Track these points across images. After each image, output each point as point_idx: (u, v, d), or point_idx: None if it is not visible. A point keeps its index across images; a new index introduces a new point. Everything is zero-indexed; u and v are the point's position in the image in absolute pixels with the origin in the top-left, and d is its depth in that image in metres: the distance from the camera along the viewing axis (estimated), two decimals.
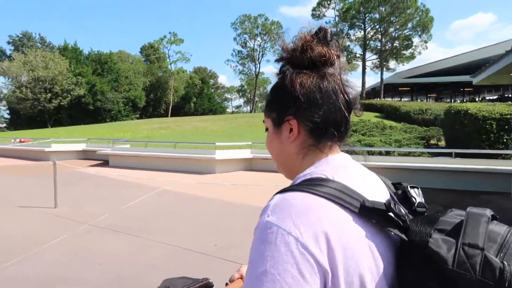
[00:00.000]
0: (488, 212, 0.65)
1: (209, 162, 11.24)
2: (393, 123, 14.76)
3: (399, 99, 59.67)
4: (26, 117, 44.00)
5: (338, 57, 0.78)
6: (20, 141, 18.00)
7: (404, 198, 0.79)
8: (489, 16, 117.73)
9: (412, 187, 0.81)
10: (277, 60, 0.83)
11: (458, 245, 0.60)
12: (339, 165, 0.74)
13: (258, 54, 58.40)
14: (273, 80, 0.84)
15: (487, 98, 56.70)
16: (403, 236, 0.66)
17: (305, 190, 0.66)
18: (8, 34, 62.92)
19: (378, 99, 44.99)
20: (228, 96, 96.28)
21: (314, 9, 50.20)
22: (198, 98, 63.50)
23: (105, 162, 14.02)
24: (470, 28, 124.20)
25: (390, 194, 0.80)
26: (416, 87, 58.69)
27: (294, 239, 0.60)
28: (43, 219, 6.13)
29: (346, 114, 0.77)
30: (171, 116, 51.80)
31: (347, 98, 0.77)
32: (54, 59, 42.22)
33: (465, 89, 56.56)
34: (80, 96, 42.83)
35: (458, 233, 0.62)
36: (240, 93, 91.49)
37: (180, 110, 59.86)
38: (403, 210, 0.75)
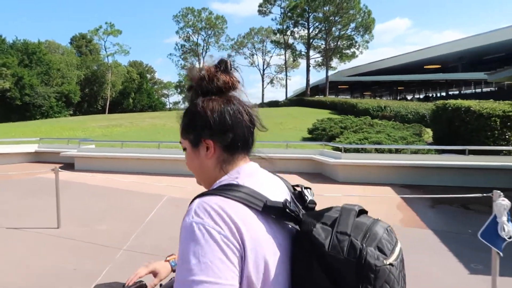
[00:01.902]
0: (357, 208, 0.85)
1: None
2: (377, 121, 14.71)
3: (337, 96, 61.61)
4: None
5: (239, 82, 0.94)
6: None
7: (300, 197, 0.96)
8: (405, 21, 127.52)
9: (306, 188, 0.98)
10: (187, 90, 0.97)
11: (333, 233, 0.78)
12: (248, 173, 0.91)
13: (202, 49, 56.64)
14: None
15: (416, 97, 60.73)
16: (297, 227, 0.84)
17: (220, 194, 0.82)
18: None
19: (322, 96, 45.98)
20: (166, 92, 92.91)
21: (260, 5, 49.87)
22: (136, 93, 60.07)
23: (66, 165, 12.16)
24: (389, 32, 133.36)
25: (290, 194, 0.97)
26: (355, 86, 61.23)
27: (217, 233, 0.75)
28: (58, 246, 4.72)
29: (252, 130, 0.95)
30: (109, 113, 48.27)
31: (250, 117, 0.93)
32: None
33: (398, 88, 60.19)
34: (5, 90, 38.00)
35: (334, 224, 0.80)
36: (179, 89, 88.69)
37: (118, 106, 56.12)
38: (298, 207, 0.91)
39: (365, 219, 0.83)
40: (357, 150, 9.61)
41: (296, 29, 51.32)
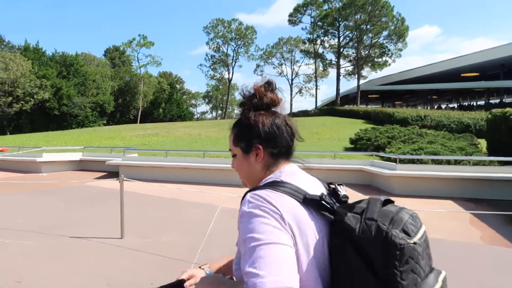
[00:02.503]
0: (383, 198, 0.99)
1: None
2: (426, 130, 14.13)
3: (367, 105, 60.47)
4: None
5: (281, 100, 1.14)
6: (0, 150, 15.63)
7: (334, 192, 1.09)
8: (434, 29, 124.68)
9: (339, 185, 1.11)
10: (239, 105, 1.17)
11: (362, 219, 0.92)
12: (289, 172, 1.09)
13: (232, 59, 57.09)
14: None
15: (450, 106, 58.86)
16: (331, 216, 0.98)
17: (267, 188, 1.00)
18: None
19: (353, 105, 45.22)
20: (193, 102, 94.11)
21: (290, 15, 49.86)
22: (167, 103, 61.06)
23: (110, 173, 12.25)
24: (417, 40, 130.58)
25: (326, 190, 1.12)
26: (386, 95, 59.99)
27: (272, 212, 0.92)
28: (127, 257, 4.55)
29: (292, 139, 1.15)
30: (140, 122, 49.20)
31: (291, 129, 1.14)
32: (15, 60, 38.55)
33: (432, 97, 58.50)
34: (44, 100, 39.39)
35: (363, 212, 0.94)
36: (207, 99, 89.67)
37: (149, 115, 57.18)
38: (333, 200, 1.04)
39: (391, 207, 0.96)
40: (411, 161, 9.15)
41: (326, 38, 51.07)
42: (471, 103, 53.39)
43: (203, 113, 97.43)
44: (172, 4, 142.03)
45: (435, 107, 56.69)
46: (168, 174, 10.89)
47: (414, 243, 0.88)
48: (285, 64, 61.68)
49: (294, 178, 1.06)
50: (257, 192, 0.99)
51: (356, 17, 45.41)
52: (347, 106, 43.82)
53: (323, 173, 10.13)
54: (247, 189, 1.08)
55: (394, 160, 9.70)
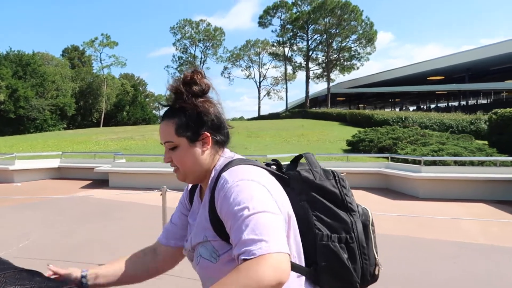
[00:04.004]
0: (311, 153, 1.22)
1: None
2: (428, 131, 13.93)
3: (336, 107, 61.32)
4: None
5: (211, 85, 1.10)
6: None
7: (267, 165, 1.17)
8: (388, 35, 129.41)
9: (274, 160, 1.20)
10: (175, 92, 1.07)
11: (312, 171, 1.13)
12: (234, 154, 1.13)
13: (200, 61, 55.71)
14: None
15: (410, 108, 60.95)
16: (285, 175, 1.13)
17: (238, 164, 1.03)
18: None
19: (323, 108, 45.44)
20: (156, 105, 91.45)
21: (261, 17, 49.46)
22: (131, 106, 58.67)
23: (96, 182, 11.02)
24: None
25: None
26: (352, 98, 61.13)
27: (256, 182, 0.94)
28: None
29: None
30: (103, 126, 46.75)
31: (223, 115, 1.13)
32: None
33: (395, 100, 60.27)
34: None
35: (306, 165, 1.15)
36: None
37: (112, 119, 54.60)
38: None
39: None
40: (433, 163, 8.76)
41: (294, 41, 51.11)
42: (433, 106, 55.45)
43: None
44: (127, 6, 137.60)
45: (397, 109, 58.38)
46: (164, 181, 9.83)
47: (344, 174, 1.16)
48: (252, 67, 61.25)
49: (239, 156, 1.13)
50: (232, 169, 1.00)
51: (325, 20, 45.77)
52: (319, 108, 43.91)
53: None
54: None
55: (412, 162, 9.29)
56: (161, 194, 4.29)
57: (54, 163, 12.15)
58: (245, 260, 0.80)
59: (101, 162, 11.81)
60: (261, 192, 0.92)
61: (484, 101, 42.46)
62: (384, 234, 5.50)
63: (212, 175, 1.08)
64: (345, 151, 13.81)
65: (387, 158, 9.99)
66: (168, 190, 4.37)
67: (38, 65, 43.30)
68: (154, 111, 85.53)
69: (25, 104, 38.33)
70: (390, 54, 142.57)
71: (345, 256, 1.05)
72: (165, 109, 1.12)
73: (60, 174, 12.17)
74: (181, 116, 1.06)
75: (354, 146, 13.49)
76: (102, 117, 49.75)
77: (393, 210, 7.25)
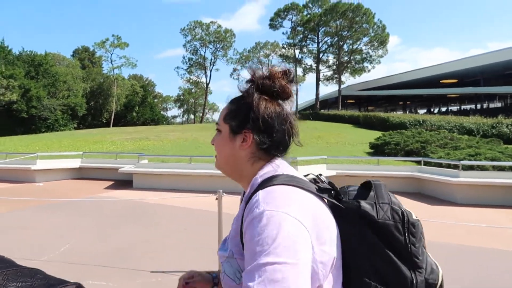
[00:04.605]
0: (383, 183, 0.99)
1: None
2: (456, 135, 13.63)
3: (346, 110, 60.96)
4: None
5: (292, 94, 1.00)
6: None
7: (315, 181, 1.00)
8: (394, 39, 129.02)
9: (320, 175, 1.05)
10: (247, 81, 1.01)
11: (376, 204, 0.92)
12: (285, 165, 0.98)
13: (209, 62, 55.65)
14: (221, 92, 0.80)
15: (420, 112, 60.40)
16: (340, 205, 0.94)
17: (280, 183, 0.88)
18: None
19: (335, 110, 45.12)
20: (164, 105, 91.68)
21: (272, 19, 49.25)
22: (140, 107, 58.76)
23: (119, 182, 10.86)
24: None
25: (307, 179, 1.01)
26: (362, 100, 60.76)
27: (291, 217, 0.79)
28: None
29: (289, 140, 1.00)
30: (113, 126, 46.77)
31: (293, 128, 1.00)
32: None
33: (405, 103, 59.80)
34: (11, 102, 36.43)
35: (373, 198, 0.94)
36: (178, 103, 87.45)
37: (121, 119, 54.69)
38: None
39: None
40: (470, 167, 8.49)
41: (305, 43, 50.87)
42: (444, 109, 54.91)
43: (174, 117, 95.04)
44: (134, 9, 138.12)
45: (407, 112, 57.84)
46: (192, 183, 9.69)
47: (418, 220, 0.94)
48: (262, 69, 60.91)
49: (292, 171, 0.97)
50: (272, 189, 0.86)
51: (336, 23, 45.52)
52: (328, 110, 43.59)
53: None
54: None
55: (447, 166, 9.03)
56: (216, 198, 4.07)
57: (76, 163, 12.03)
58: None
59: (122, 162, 11.66)
60: (294, 233, 0.78)
61: (499, 105, 41.91)
62: (429, 241, 5.28)
63: (251, 183, 0.96)
64: (369, 154, 13.54)
65: (419, 162, 9.70)
66: (223, 194, 4.15)
67: (50, 65, 43.43)
68: (162, 112, 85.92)
69: (37, 104, 38.42)
70: (396, 58, 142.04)
71: None
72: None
73: (81, 174, 12.04)
74: (236, 103, 1.01)
75: (378, 149, 13.22)
76: (112, 117, 49.77)
77: (432, 216, 7.01)
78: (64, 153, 13.70)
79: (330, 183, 1.01)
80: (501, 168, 8.41)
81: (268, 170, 0.95)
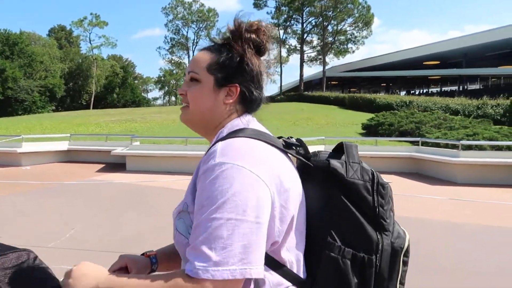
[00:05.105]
0: (355, 144, 0.95)
1: None
2: (448, 115, 13.71)
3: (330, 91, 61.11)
4: None
5: (269, 50, 0.97)
6: None
7: (286, 143, 0.95)
8: (375, 21, 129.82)
9: (290, 137, 0.99)
10: (231, 31, 0.93)
11: (347, 163, 0.88)
12: (255, 120, 0.95)
13: (192, 43, 54.46)
14: None
15: (401, 94, 61.11)
16: (309, 162, 0.91)
17: (243, 136, 0.84)
18: None
19: (319, 91, 45.09)
20: (144, 87, 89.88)
21: None
22: (120, 88, 57.38)
23: (110, 165, 10.52)
24: None
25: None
26: (345, 81, 60.97)
27: (247, 171, 0.74)
28: None
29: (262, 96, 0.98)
30: (93, 108, 45.53)
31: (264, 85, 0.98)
32: None
33: (388, 84, 60.33)
34: None
35: (344, 157, 0.89)
36: (159, 85, 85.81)
37: (101, 101, 53.28)
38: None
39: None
40: (469, 147, 8.55)
41: (289, 23, 50.38)
42: (427, 91, 55.72)
43: (155, 99, 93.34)
44: None
45: (389, 94, 58.37)
46: (188, 165, 9.44)
47: (388, 183, 0.89)
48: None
49: (260, 127, 0.94)
50: (232, 141, 0.82)
51: (321, 3, 45.13)
52: (312, 92, 43.53)
53: (367, 161, 9.25)
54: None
55: (444, 146, 9.08)
56: None
57: (63, 145, 11.59)
58: (187, 274, 0.71)
59: (112, 145, 11.28)
60: (248, 188, 0.73)
61: (478, 87, 42.69)
62: (434, 220, 5.28)
63: (217, 135, 0.92)
64: (361, 135, 13.55)
65: (416, 142, 9.72)
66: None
67: (26, 44, 41.66)
68: (143, 94, 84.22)
69: (13, 85, 36.95)
70: (376, 39, 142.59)
71: (354, 280, 0.84)
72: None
73: (70, 157, 11.63)
74: (223, 53, 0.93)
75: (371, 130, 13.23)
76: (93, 99, 48.41)
77: (434, 194, 7.04)
78: (51, 135, 13.20)
79: (298, 140, 0.97)
80: (499, 148, 8.51)
81: (237, 123, 0.91)
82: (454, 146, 8.74)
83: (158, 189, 7.50)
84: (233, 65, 0.92)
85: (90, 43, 50.29)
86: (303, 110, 25.81)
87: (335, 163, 0.87)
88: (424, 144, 9.60)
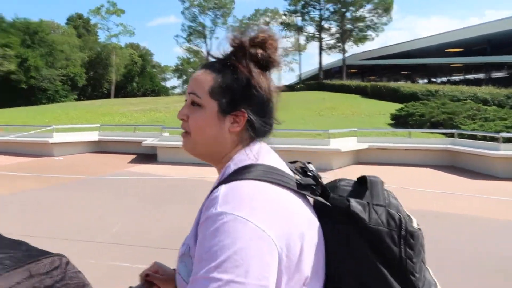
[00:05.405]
0: (380, 179, 0.84)
1: (324, 154, 8.71)
2: (481, 105, 13.32)
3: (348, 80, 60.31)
4: None
5: (280, 63, 0.86)
6: None
7: (303, 171, 0.87)
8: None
9: (308, 163, 0.90)
10: (235, 46, 0.83)
11: (370, 206, 0.78)
12: (266, 151, 0.84)
13: (209, 31, 54.24)
14: None
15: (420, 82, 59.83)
16: (327, 202, 0.80)
17: (251, 178, 0.74)
18: None
19: (339, 80, 44.48)
20: (163, 76, 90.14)
21: None
22: (139, 77, 57.75)
23: (141, 156, 10.60)
24: None
25: (292, 169, 0.87)
26: (365, 70, 59.99)
27: (253, 225, 0.66)
28: None
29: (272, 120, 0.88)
30: (114, 97, 45.98)
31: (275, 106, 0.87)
32: None
33: (409, 73, 59.12)
34: (10, 72, 35.47)
35: (368, 198, 0.79)
36: (177, 73, 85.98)
37: (121, 90, 53.72)
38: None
39: (376, 187, 0.83)
40: (508, 140, 8.29)
41: (306, 10, 49.62)
42: (448, 79, 54.42)
43: (173, 87, 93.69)
44: None
45: (409, 82, 57.30)
46: None
47: (419, 228, 0.80)
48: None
49: (271, 158, 0.83)
50: (238, 185, 0.73)
51: None
52: (335, 80, 42.95)
53: (401, 154, 9.14)
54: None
55: (482, 138, 8.84)
56: None
57: (93, 136, 11.73)
58: None
59: (141, 135, 11.37)
60: (253, 245, 0.65)
61: (503, 74, 41.41)
62: (481, 217, 5.14)
63: (223, 170, 0.82)
64: (391, 125, 13.32)
65: (450, 134, 9.49)
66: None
67: (46, 33, 42.12)
68: (161, 83, 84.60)
69: (35, 74, 37.49)
70: (393, 26, 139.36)
71: None
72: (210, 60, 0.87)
73: (100, 147, 11.77)
74: (226, 74, 0.83)
75: (400, 121, 12.97)
76: (113, 88, 48.84)
77: (472, 191, 6.84)
78: (81, 125, 13.36)
79: (314, 178, 0.85)
80: None
81: (243, 157, 0.81)
82: (493, 139, 8.49)
83: (193, 181, 7.52)
84: (239, 89, 0.83)
85: (108, 31, 50.58)
86: (324, 99, 25.52)
87: (356, 205, 0.78)
88: (460, 136, 9.37)
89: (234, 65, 0.83)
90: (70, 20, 60.42)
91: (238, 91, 0.82)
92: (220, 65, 0.84)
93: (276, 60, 0.84)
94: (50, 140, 10.80)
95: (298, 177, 0.82)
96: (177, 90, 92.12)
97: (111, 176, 8.18)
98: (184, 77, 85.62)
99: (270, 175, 0.76)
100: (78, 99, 43.99)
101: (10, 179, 7.71)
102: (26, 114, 20.62)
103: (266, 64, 0.84)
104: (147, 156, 10.52)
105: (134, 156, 10.73)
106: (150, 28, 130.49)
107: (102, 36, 56.26)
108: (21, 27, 40.85)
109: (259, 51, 0.82)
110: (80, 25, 59.24)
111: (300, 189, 0.78)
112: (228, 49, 0.85)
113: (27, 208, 5.70)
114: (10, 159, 10.25)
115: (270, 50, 0.83)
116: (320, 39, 49.16)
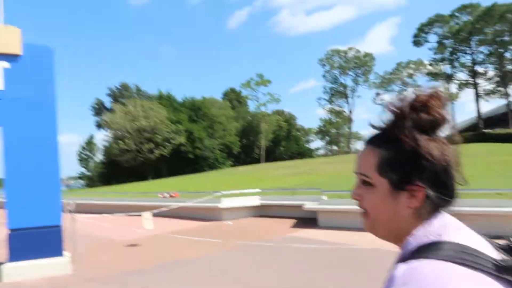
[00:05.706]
0: None
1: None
2: None
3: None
4: (125, 169, 43.52)
5: (448, 120, 0.76)
6: (171, 196, 15.58)
7: (509, 249, 0.72)
8: None
9: None
10: (396, 115, 0.77)
11: None
12: (455, 226, 0.73)
13: (351, 90, 54.96)
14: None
15: None
16: None
17: (435, 257, 0.64)
18: (107, 87, 62.86)
19: (505, 129, 38.97)
20: (306, 138, 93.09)
21: (415, 35, 46.45)
22: (286, 141, 60.93)
23: (301, 220, 10.76)
24: None
25: (495, 247, 0.73)
26: None
27: None
28: None
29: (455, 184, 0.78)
30: (265, 162, 49.20)
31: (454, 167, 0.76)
32: (153, 108, 41.91)
33: None
34: (180, 144, 41.66)
35: None
36: (320, 135, 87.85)
37: (270, 154, 57.34)
38: None
39: None
40: None
41: (455, 56, 46.34)
42: None
43: (317, 149, 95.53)
44: (265, 46, 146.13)
45: None
46: None
47: None
48: (406, 90, 57.51)
49: (462, 236, 0.69)
50: (419, 267, 0.63)
51: (494, 28, 40.46)
52: (499, 129, 37.86)
53: None
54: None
55: None
56: None
57: (256, 200, 12.52)
58: None
59: (299, 199, 11.65)
60: None
61: None
62: None
63: (404, 246, 0.73)
64: None
65: None
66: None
67: (208, 108, 48.61)
68: (305, 145, 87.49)
69: (200, 144, 43.11)
70: None
71: None
72: (373, 132, 0.82)
73: (262, 211, 12.44)
74: (391, 148, 0.76)
75: None
76: (264, 153, 52.51)
77: None
78: (243, 190, 14.52)
79: None
80: None
81: (425, 233, 0.71)
82: None
83: (365, 251, 7.18)
84: (407, 162, 0.74)
85: (257, 101, 55.60)
86: (493, 152, 22.43)
87: None
88: None
89: (397, 137, 0.76)
90: (225, 94, 68.96)
91: (407, 164, 0.75)
92: (383, 139, 0.79)
93: (443, 119, 0.75)
94: (220, 206, 11.93)
95: (502, 257, 0.68)
96: (321, 151, 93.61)
97: (289, 245, 8.46)
98: (327, 138, 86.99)
99: (457, 255, 0.65)
100: (233, 165, 48.51)
101: (198, 244, 8.61)
102: (191, 182, 23.48)
103: (433, 127, 0.75)
104: (307, 220, 10.66)
105: (295, 221, 10.96)
106: (292, 94, 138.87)
107: (252, 106, 61.94)
108: (188, 105, 48.19)
109: (423, 116, 0.74)
110: (233, 98, 66.99)
111: (501, 273, 0.64)
112: (389, 118, 0.79)
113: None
114: (189, 223, 11.62)
115: (434, 110, 0.74)
116: (475, 85, 44.86)
